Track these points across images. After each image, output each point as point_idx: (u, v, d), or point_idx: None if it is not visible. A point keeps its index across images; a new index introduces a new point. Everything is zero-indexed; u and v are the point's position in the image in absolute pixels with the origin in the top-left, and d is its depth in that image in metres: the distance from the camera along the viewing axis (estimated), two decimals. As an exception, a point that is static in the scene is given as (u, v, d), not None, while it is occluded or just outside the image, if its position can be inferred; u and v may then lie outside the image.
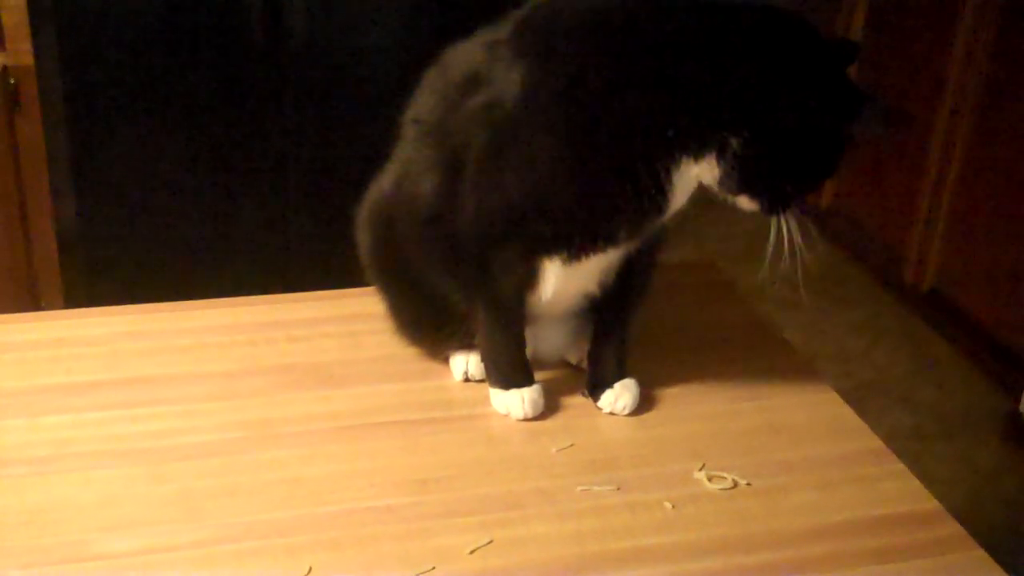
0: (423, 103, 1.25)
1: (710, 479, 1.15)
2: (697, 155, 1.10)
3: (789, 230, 1.13)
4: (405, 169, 1.27)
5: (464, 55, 1.22)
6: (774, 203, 1.14)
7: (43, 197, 2.57)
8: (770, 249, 1.14)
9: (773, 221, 1.14)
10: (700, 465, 1.16)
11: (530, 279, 1.21)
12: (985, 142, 3.04)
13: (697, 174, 1.12)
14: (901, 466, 1.19)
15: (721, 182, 1.12)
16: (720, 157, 1.10)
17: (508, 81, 1.13)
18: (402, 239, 1.28)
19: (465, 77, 1.19)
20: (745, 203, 1.14)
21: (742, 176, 1.10)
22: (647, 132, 1.08)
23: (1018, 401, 2.75)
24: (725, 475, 1.15)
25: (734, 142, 1.08)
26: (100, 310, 1.43)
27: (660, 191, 1.11)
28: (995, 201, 3.02)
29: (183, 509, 1.07)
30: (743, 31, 1.09)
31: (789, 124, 1.09)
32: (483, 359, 1.28)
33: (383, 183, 1.31)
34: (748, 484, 1.14)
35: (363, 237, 1.35)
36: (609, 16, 1.10)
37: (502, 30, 1.17)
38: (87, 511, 1.07)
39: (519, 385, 1.25)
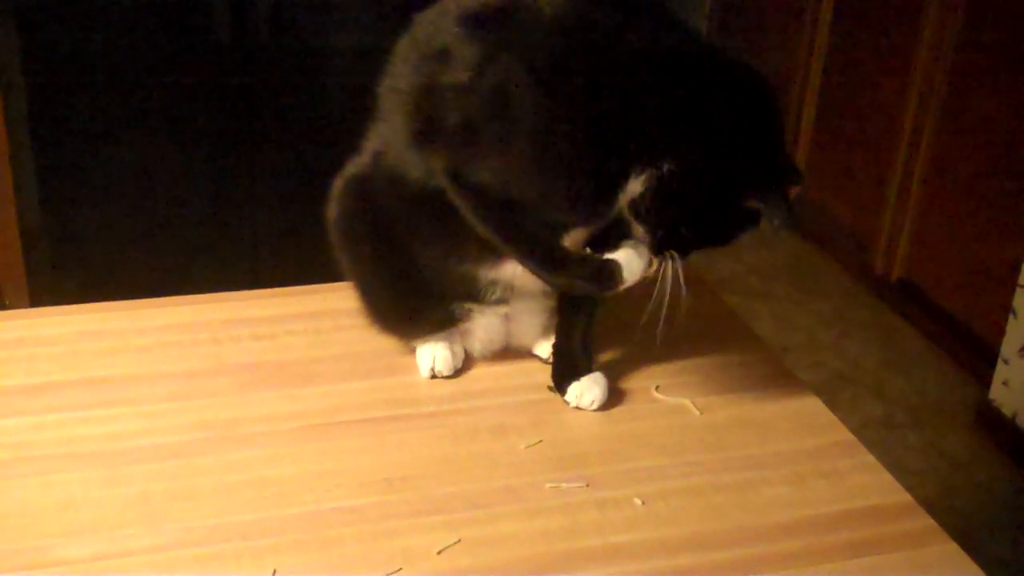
0: (398, 72, 1.23)
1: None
2: (640, 171, 1.08)
3: (669, 276, 1.13)
4: (383, 140, 1.25)
5: (435, 27, 1.19)
6: (664, 242, 1.12)
7: (6, 193, 2.53)
8: (655, 295, 1.13)
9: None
10: (655, 385, 1.15)
11: None
12: (952, 131, 3.05)
13: (632, 189, 1.10)
14: (872, 459, 1.18)
15: (633, 201, 1.10)
16: (650, 179, 1.08)
17: (488, 70, 1.10)
18: (382, 211, 1.26)
19: (437, 52, 1.16)
20: (639, 232, 1.13)
21: (653, 204, 1.09)
22: (608, 139, 1.08)
23: (988, 389, 2.76)
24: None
25: (666, 168, 1.07)
26: (58, 309, 1.40)
27: (606, 198, 1.11)
28: (963, 189, 3.03)
29: (142, 513, 1.05)
30: (707, 75, 1.08)
31: (712, 171, 1.08)
32: None
33: (362, 156, 1.29)
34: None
35: (337, 209, 1.30)
36: (593, 24, 1.09)
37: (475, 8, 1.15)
38: (46, 516, 1.04)
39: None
